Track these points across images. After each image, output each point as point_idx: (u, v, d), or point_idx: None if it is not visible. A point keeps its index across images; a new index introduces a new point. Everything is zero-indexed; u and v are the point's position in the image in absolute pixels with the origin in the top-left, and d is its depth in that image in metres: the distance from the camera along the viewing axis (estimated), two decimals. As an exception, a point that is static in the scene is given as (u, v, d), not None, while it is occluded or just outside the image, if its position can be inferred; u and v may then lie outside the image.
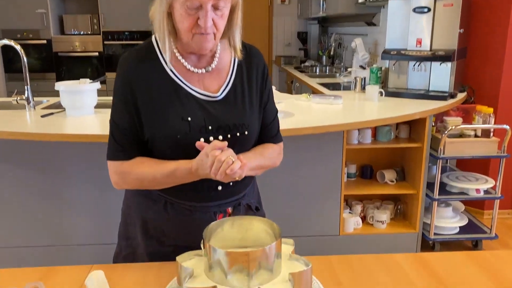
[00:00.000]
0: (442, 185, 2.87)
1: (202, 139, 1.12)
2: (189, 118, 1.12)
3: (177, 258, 0.96)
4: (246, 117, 1.19)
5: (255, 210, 1.30)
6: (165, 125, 1.12)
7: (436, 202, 2.78)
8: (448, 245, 2.95)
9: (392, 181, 2.91)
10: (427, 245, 2.89)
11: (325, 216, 2.75)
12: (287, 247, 1.02)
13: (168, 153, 1.14)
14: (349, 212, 2.89)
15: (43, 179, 2.53)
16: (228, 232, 1.01)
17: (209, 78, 1.18)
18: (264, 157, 1.24)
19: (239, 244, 1.03)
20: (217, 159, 1.02)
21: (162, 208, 1.21)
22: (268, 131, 1.28)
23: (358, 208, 2.90)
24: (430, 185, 2.80)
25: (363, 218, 2.91)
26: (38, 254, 2.66)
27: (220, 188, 1.19)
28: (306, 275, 0.92)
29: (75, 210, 2.58)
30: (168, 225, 1.23)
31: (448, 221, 2.88)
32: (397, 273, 1.18)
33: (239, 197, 1.25)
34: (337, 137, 2.63)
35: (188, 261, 0.98)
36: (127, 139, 1.15)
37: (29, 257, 2.67)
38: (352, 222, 2.80)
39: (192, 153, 1.09)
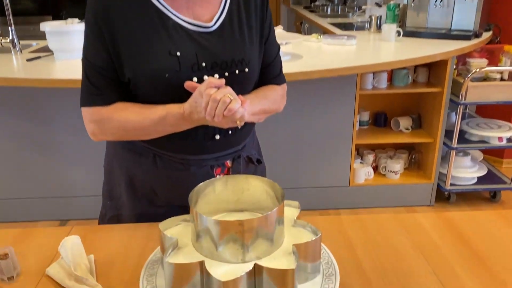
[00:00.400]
0: (461, 133, 2.67)
1: (195, 79, 0.93)
2: (178, 53, 0.92)
3: (160, 225, 0.81)
4: (246, 51, 0.99)
5: (257, 163, 1.12)
6: (149, 62, 0.92)
7: (454, 151, 2.59)
8: (465, 196, 2.80)
9: (407, 129, 2.71)
10: (442, 196, 2.75)
11: (334, 166, 2.59)
12: (292, 211, 0.85)
13: (154, 98, 0.96)
14: (360, 162, 2.73)
15: (32, 128, 2.37)
16: (220, 194, 0.85)
17: (200, 5, 0.97)
18: (268, 100, 1.05)
19: (234, 207, 0.87)
20: (212, 98, 0.84)
21: (151, 163, 1.04)
22: (270, 71, 1.08)
23: (370, 158, 2.73)
24: (447, 133, 2.61)
25: (375, 169, 2.75)
26: (29, 206, 2.57)
27: (218, 137, 1.01)
28: (314, 246, 0.76)
29: (67, 160, 2.45)
30: (158, 182, 1.06)
31: (466, 171, 2.70)
32: (417, 234, 1.02)
33: (239, 149, 1.07)
34: (349, 82, 2.41)
35: (173, 228, 0.83)
36: (105, 80, 0.95)
37: (19, 209, 2.57)
38: (363, 173, 2.65)
39: (184, 97, 0.91)
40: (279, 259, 0.73)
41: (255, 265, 0.70)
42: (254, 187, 0.85)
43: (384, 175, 2.72)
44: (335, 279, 0.78)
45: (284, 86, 1.13)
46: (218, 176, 1.05)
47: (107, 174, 1.14)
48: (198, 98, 0.86)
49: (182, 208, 0.96)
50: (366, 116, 2.76)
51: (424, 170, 2.75)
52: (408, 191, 2.69)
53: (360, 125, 2.75)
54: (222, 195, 0.85)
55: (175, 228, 0.82)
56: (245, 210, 0.87)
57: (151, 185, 1.07)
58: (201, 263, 0.70)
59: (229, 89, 0.86)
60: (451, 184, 2.68)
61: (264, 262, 0.72)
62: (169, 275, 0.71)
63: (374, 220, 1.08)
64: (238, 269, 0.70)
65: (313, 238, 0.76)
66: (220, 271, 0.70)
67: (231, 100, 0.84)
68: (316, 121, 2.48)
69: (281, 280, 0.69)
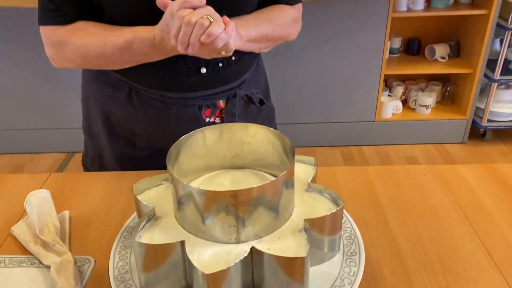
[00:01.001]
0: (505, 63, 2.36)
1: None
2: None
3: (134, 187, 0.63)
4: None
5: (259, 104, 0.91)
6: None
7: (495, 84, 2.31)
8: (501, 134, 2.55)
9: (444, 58, 2.41)
10: (476, 133, 2.50)
11: (359, 99, 2.35)
12: (306, 170, 0.66)
13: (123, 17, 0.75)
14: (388, 95, 2.48)
15: (33, 55, 2.18)
16: (214, 147, 0.65)
17: None
18: (272, 24, 0.81)
19: (231, 164, 0.67)
20: (185, 21, 0.62)
21: (126, 99, 0.84)
22: None
23: (399, 90, 2.47)
24: (489, 63, 2.31)
25: (404, 102, 2.50)
26: (34, 137, 2.45)
27: (204, 71, 0.80)
28: (333, 220, 0.57)
29: (75, 90, 2.27)
30: (136, 122, 0.87)
31: (506, 105, 2.43)
32: (460, 190, 0.82)
33: (234, 86, 0.86)
34: (380, 2, 2.09)
35: (152, 190, 0.64)
36: None
37: (23, 140, 2.46)
38: (391, 107, 2.41)
39: (159, 18, 0.68)
40: (285, 239, 0.55)
41: (253, 249, 0.52)
42: (256, 139, 0.65)
43: (413, 109, 2.48)
44: (359, 259, 0.60)
45: (299, 6, 0.88)
46: (208, 119, 0.85)
47: (84, 108, 0.95)
48: (169, 19, 0.64)
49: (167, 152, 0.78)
50: (397, 43, 2.46)
51: (458, 105, 2.48)
52: (439, 127, 2.45)
53: (390, 52, 2.45)
54: (216, 148, 0.65)
55: (154, 191, 0.64)
56: (245, 167, 0.68)
57: (129, 125, 0.88)
58: (182, 244, 0.53)
59: (209, 9, 0.64)
60: (488, 121, 2.42)
61: (265, 245, 0.54)
62: (139, 255, 0.54)
63: (406, 172, 0.88)
64: (229, 254, 0.53)
65: (333, 210, 0.57)
66: (205, 256, 0.53)
67: (210, 22, 0.61)
68: (341, 48, 2.20)
69: (287, 270, 0.51)
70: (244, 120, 0.87)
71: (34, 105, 2.36)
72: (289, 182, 0.56)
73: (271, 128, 0.62)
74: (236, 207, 0.52)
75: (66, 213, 0.79)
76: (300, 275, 0.51)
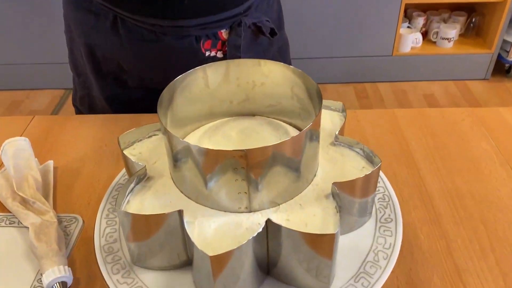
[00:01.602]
0: (539, -10, 2.13)
1: None
2: None
3: (120, 138, 0.51)
4: None
5: (270, 35, 0.76)
6: None
7: (527, 14, 2.10)
8: (528, 69, 2.37)
9: (472, -15, 2.19)
10: (500, 69, 2.33)
11: (376, 31, 2.16)
12: (332, 117, 0.53)
13: None
14: (408, 27, 2.28)
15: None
16: (218, 90, 0.52)
17: None
18: None
19: (240, 109, 0.55)
20: None
21: (110, 29, 0.70)
22: None
23: (420, 21, 2.27)
24: (522, -10, 2.08)
25: (424, 35, 2.31)
26: (25, 73, 2.31)
27: None
28: (366, 183, 0.45)
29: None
30: (124, 55, 0.74)
31: (536, 39, 2.23)
32: (505, 136, 0.70)
33: (239, 12, 0.71)
34: None
35: (144, 142, 0.53)
36: None
37: (14, 75, 2.32)
38: (410, 40, 2.22)
39: None
40: (308, 207, 0.44)
41: (268, 222, 0.41)
42: (272, 79, 0.52)
43: (434, 43, 2.29)
44: (396, 227, 0.49)
45: None
46: (208, 53, 0.71)
47: (68, 41, 0.81)
48: None
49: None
50: (421, -32, 2.22)
51: (483, 38, 2.29)
52: (461, 62, 2.27)
53: (412, -21, 2.22)
54: (221, 91, 0.53)
55: (146, 144, 0.52)
56: (257, 114, 0.55)
57: (116, 59, 0.75)
58: (180, 213, 0.42)
59: None
60: (515, 55, 2.24)
61: (283, 215, 0.43)
62: (126, 227, 0.43)
63: (441, 116, 0.76)
64: (239, 227, 0.42)
65: (367, 171, 0.45)
66: (208, 229, 0.42)
67: None
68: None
69: (312, 246, 0.40)
70: (251, 55, 0.73)
71: (30, 38, 2.20)
72: (314, 135, 0.44)
73: (291, 66, 0.49)
74: (247, 169, 0.40)
75: (51, 163, 0.68)
76: (328, 252, 0.40)
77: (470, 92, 2.22)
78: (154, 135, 0.53)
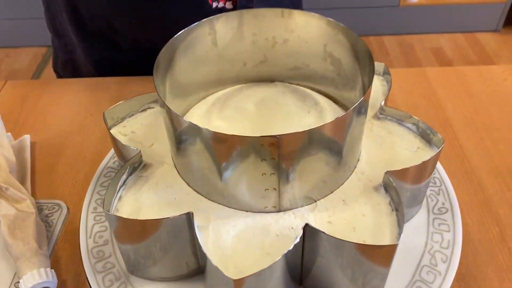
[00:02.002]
0: None
1: None
2: None
3: (106, 113, 0.40)
4: None
5: None
6: None
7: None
8: (541, 19, 2.23)
9: None
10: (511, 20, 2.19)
11: (382, -21, 2.00)
12: (374, 83, 0.42)
13: None
14: (416, -26, 2.11)
15: None
16: (229, 48, 0.41)
17: None
18: None
19: (256, 73, 0.44)
20: None
21: None
22: None
23: (429, -33, 2.10)
24: None
25: (434, -18, 2.14)
26: (5, 29, 2.14)
27: None
28: (425, 168, 0.35)
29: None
30: (115, 11, 0.61)
31: (552, -14, 2.08)
32: None
33: None
34: None
35: (136, 118, 0.41)
36: None
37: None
38: (419, -12, 2.06)
39: None
40: (354, 205, 0.34)
41: (307, 228, 0.30)
42: (299, 34, 0.40)
43: (444, -9, 2.13)
44: (454, 220, 0.40)
45: None
46: (215, 5, 0.59)
47: None
48: None
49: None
50: None
51: (496, -15, 2.13)
52: (471, 12, 2.13)
53: None
54: (232, 50, 0.41)
55: (139, 119, 0.41)
56: (276, 79, 0.44)
57: (104, 15, 0.62)
58: (188, 216, 0.31)
59: None
60: (529, 4, 2.10)
61: (323, 215, 0.32)
62: (120, 233, 0.33)
63: (479, 75, 0.65)
64: (267, 234, 0.32)
65: (426, 155, 0.35)
66: (226, 238, 0.32)
67: None
68: None
69: (365, 258, 0.30)
70: (265, 4, 0.60)
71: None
72: (362, 110, 0.33)
73: (327, 18, 0.37)
74: (279, 161, 0.30)
75: (27, 138, 0.57)
76: (385, 263, 0.31)
77: (480, 45, 2.10)
78: (150, 108, 0.42)
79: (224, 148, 0.30)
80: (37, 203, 0.48)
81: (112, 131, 0.39)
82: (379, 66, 0.43)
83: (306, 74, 0.43)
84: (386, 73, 0.43)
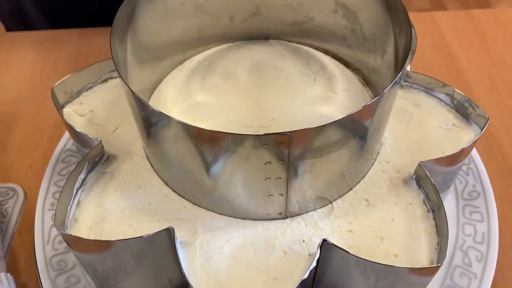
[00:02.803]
0: None
1: None
2: None
3: (55, 88, 0.30)
4: None
5: None
6: None
7: None
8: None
9: None
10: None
11: None
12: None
13: None
14: None
15: None
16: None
17: None
18: None
19: (244, 31, 0.34)
20: None
21: None
22: None
23: None
24: None
25: None
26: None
27: None
28: (462, 153, 0.28)
29: None
30: None
31: None
32: None
33: None
34: None
35: (95, 92, 0.32)
36: None
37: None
38: None
39: None
40: (381, 207, 0.26)
41: (324, 244, 0.23)
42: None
43: None
44: (487, 207, 0.33)
45: None
46: None
47: None
48: None
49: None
50: None
51: None
52: None
53: None
54: (215, 0, 0.31)
55: (98, 93, 0.32)
56: (271, 37, 0.35)
57: None
58: (169, 233, 0.24)
59: None
60: None
61: (343, 226, 0.25)
62: (81, 254, 0.25)
63: (494, 19, 0.58)
64: (271, 253, 0.24)
65: (466, 140, 0.28)
66: (218, 259, 0.24)
67: None
68: None
69: (403, 279, 0.23)
70: None
71: None
72: (395, 89, 0.25)
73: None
74: (289, 162, 0.22)
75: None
76: (423, 282, 0.24)
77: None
78: (112, 77, 0.33)
79: (213, 148, 0.21)
80: (-13, 189, 0.40)
81: (65, 110, 0.30)
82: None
83: (309, 30, 0.33)
84: (410, 25, 0.34)
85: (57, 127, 0.45)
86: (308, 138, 0.21)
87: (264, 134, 0.20)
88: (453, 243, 0.32)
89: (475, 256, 0.31)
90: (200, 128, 0.20)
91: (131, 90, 0.22)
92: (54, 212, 0.34)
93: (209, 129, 0.20)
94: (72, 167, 0.35)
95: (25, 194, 0.40)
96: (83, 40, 0.54)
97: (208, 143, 0.21)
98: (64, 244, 0.32)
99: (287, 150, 0.21)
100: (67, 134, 0.40)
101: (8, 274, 0.32)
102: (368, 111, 0.22)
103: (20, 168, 0.42)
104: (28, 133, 0.45)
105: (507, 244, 0.34)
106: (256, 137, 0.20)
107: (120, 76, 0.23)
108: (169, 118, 0.21)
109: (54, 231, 0.33)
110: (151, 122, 0.24)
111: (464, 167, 0.36)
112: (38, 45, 0.55)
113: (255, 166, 0.22)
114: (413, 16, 0.58)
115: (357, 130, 0.24)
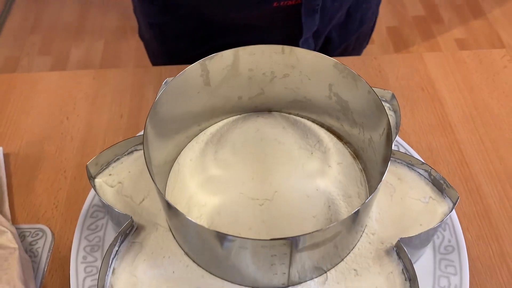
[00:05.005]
0: None
1: None
2: None
3: (89, 166, 0.35)
4: None
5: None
6: None
7: None
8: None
9: None
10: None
11: None
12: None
13: None
14: None
15: None
16: (223, 85, 0.36)
17: None
18: None
19: (251, 105, 0.39)
20: None
21: None
22: None
23: None
24: None
25: None
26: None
27: None
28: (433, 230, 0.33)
29: None
30: None
31: None
32: None
33: None
34: None
35: (123, 164, 0.37)
36: None
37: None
38: None
39: None
40: (367, 276, 0.31)
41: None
42: (300, 70, 0.35)
43: None
44: (460, 261, 0.38)
45: None
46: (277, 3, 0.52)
47: None
48: None
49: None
50: None
51: None
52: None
53: None
54: (226, 87, 0.36)
55: (126, 166, 0.37)
56: (273, 110, 0.40)
57: None
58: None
59: None
60: None
61: (337, 294, 0.31)
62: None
63: (478, 60, 0.62)
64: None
65: (441, 213, 0.33)
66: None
67: None
68: None
69: None
70: (336, 4, 0.53)
71: None
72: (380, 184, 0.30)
73: (334, 59, 0.33)
74: (291, 257, 0.27)
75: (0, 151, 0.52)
76: None
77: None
78: (137, 150, 0.38)
79: (227, 247, 0.27)
80: (18, 229, 0.45)
81: (96, 181, 0.36)
82: (386, 94, 0.40)
83: (307, 107, 0.39)
84: (394, 100, 0.39)
85: (78, 168, 0.49)
86: (307, 239, 0.26)
87: (270, 239, 0.25)
88: (428, 296, 0.37)
89: (448, 307, 0.36)
90: (217, 231, 0.25)
91: (158, 188, 0.27)
92: (85, 265, 0.39)
93: (224, 232, 0.25)
94: (100, 222, 0.41)
95: (53, 234, 0.45)
96: (97, 80, 0.58)
97: (223, 242, 0.26)
98: (97, 294, 0.37)
99: (289, 248, 0.26)
100: (91, 194, 0.45)
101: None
102: (361, 210, 0.27)
103: (46, 209, 0.47)
104: (52, 175, 0.49)
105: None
106: (265, 241, 0.25)
107: (148, 165, 0.28)
108: (187, 220, 0.26)
109: (88, 283, 0.38)
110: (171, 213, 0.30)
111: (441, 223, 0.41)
112: (57, 84, 0.59)
113: (263, 259, 0.27)
114: (403, 57, 0.63)
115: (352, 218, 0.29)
